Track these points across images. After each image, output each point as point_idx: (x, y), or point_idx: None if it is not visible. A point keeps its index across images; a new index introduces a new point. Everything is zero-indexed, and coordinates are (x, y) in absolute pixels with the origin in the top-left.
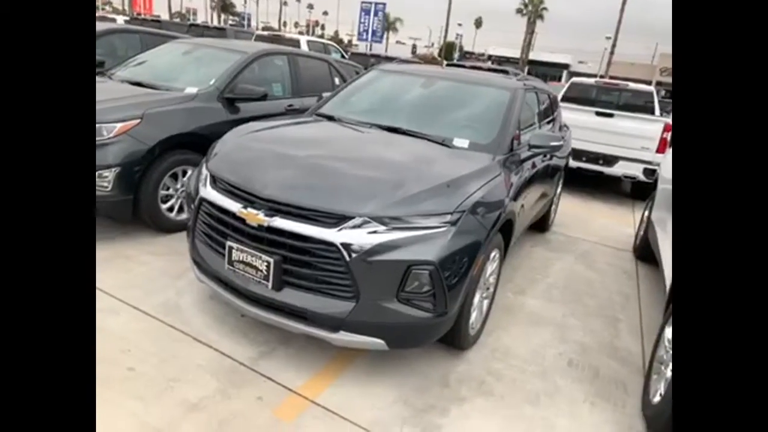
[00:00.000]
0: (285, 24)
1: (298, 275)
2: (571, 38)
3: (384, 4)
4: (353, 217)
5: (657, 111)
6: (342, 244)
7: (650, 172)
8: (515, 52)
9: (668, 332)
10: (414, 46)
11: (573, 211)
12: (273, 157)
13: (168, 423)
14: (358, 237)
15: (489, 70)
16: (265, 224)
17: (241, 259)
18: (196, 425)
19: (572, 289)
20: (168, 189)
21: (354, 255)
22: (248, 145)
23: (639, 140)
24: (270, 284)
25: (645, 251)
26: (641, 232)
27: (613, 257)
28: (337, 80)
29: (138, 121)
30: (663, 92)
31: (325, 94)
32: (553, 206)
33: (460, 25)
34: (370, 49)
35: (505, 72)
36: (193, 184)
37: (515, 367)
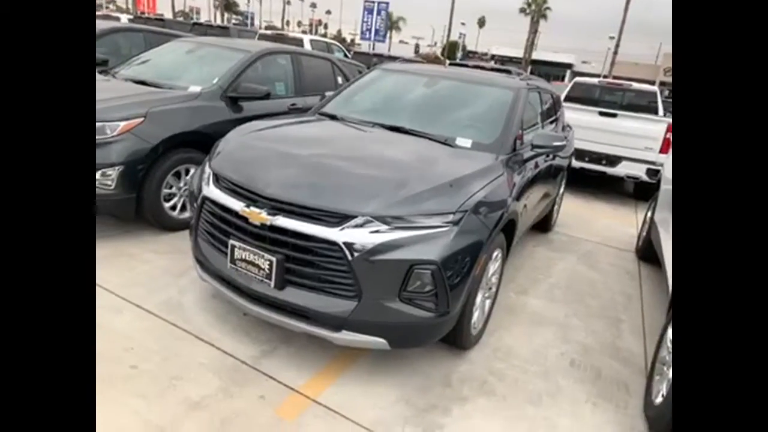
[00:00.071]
0: (288, 23)
1: (301, 274)
2: (574, 38)
3: (387, 3)
4: (355, 217)
5: (660, 111)
6: (344, 243)
7: (653, 173)
8: (518, 52)
9: (670, 332)
10: (417, 46)
11: (576, 211)
12: (276, 156)
13: (170, 421)
14: (360, 236)
15: (492, 69)
16: (268, 223)
17: (243, 257)
18: (198, 423)
19: (575, 290)
20: (171, 187)
21: (356, 254)
22: (251, 143)
23: (642, 140)
24: (272, 283)
25: (648, 252)
26: (644, 233)
27: (616, 258)
28: (340, 79)
29: (141, 119)
30: (666, 92)
31: (328, 94)
32: (556, 206)
33: (463, 24)
34: (373, 49)
35: (508, 72)
36: (196, 183)
37: (517, 367)
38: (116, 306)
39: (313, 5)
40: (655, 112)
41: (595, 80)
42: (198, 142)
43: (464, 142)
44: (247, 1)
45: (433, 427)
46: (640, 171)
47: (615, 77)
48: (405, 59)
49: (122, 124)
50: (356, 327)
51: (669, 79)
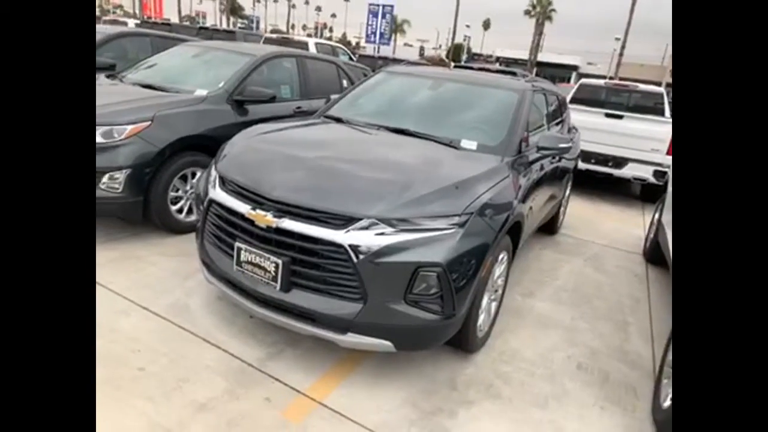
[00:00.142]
0: (293, 26)
1: (306, 276)
2: (580, 39)
3: (392, 6)
4: (361, 219)
5: (667, 112)
6: (350, 245)
7: (660, 174)
8: (523, 54)
9: None
10: (422, 48)
11: (582, 213)
12: (282, 158)
13: (177, 423)
14: (365, 238)
15: (497, 71)
16: (274, 225)
17: (249, 260)
18: (204, 425)
19: (581, 292)
20: (177, 190)
21: (362, 256)
22: (257, 146)
23: (649, 142)
24: (278, 285)
25: (655, 254)
26: (651, 235)
27: (623, 260)
28: (345, 82)
29: (149, 123)
30: None
31: (333, 96)
32: (562, 208)
33: (468, 26)
34: (378, 52)
35: (513, 74)
36: (202, 186)
37: (523, 370)
38: (123, 308)
39: (318, 8)
40: (662, 114)
41: (601, 82)
42: (204, 146)
43: (469, 144)
44: (253, 5)
45: (438, 430)
46: (647, 173)
47: (621, 78)
48: (410, 62)
49: (129, 127)
50: (362, 329)
51: None
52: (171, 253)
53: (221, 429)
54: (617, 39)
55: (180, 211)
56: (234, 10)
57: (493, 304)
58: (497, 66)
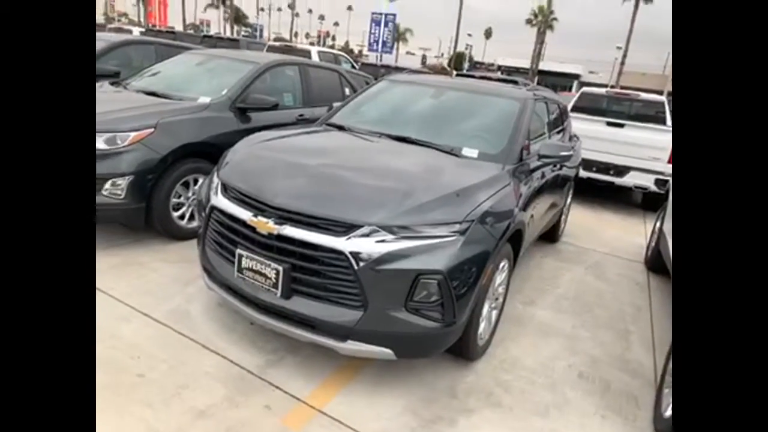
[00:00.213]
0: (296, 35)
1: (307, 283)
2: (581, 48)
3: (394, 15)
4: (362, 226)
5: (668, 121)
6: (350, 252)
7: (662, 183)
8: (525, 63)
9: None
10: (424, 57)
11: (583, 221)
12: (284, 166)
13: (176, 430)
14: (366, 246)
15: (498, 80)
16: (275, 232)
17: (250, 266)
18: None
19: (582, 301)
20: (180, 197)
21: (362, 264)
22: (259, 154)
23: (650, 150)
24: (279, 292)
25: (657, 262)
26: (653, 243)
27: (625, 268)
28: (347, 90)
29: (152, 130)
30: None
31: (336, 104)
32: (563, 216)
33: (470, 35)
34: (381, 60)
35: (515, 82)
36: (204, 193)
37: (524, 378)
38: (124, 314)
39: (322, 17)
40: (663, 123)
41: (602, 90)
42: (207, 153)
43: (471, 152)
44: (257, 14)
45: None
46: (648, 181)
47: (622, 87)
48: (412, 70)
49: (133, 134)
50: (362, 337)
51: None
52: (172, 260)
53: None
54: (618, 48)
55: (182, 217)
56: (238, 19)
57: (494, 312)
58: (499, 74)
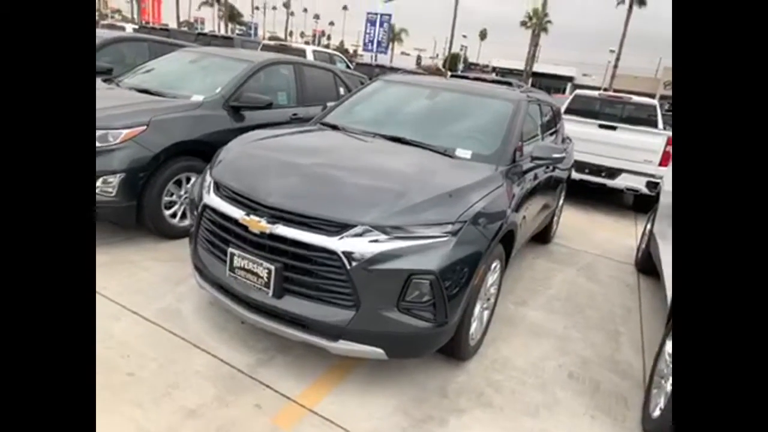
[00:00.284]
0: (291, 34)
1: (299, 283)
2: (575, 51)
3: (389, 15)
4: (355, 226)
5: (660, 124)
6: (343, 252)
7: (653, 185)
8: (519, 64)
9: (669, 346)
10: (419, 57)
11: (575, 223)
12: (277, 165)
13: (166, 429)
14: (359, 245)
15: (493, 81)
16: (268, 231)
17: (242, 266)
18: None
19: (574, 302)
20: (172, 195)
21: (355, 263)
22: (253, 152)
23: (642, 153)
24: (271, 291)
25: (647, 264)
26: (643, 245)
27: (615, 270)
28: (342, 90)
29: (144, 127)
30: (666, 105)
31: (330, 104)
32: (556, 218)
33: (464, 36)
34: (375, 60)
35: (509, 84)
36: (196, 191)
37: (515, 378)
38: (114, 313)
39: (317, 16)
40: (655, 126)
41: (595, 93)
42: (200, 151)
43: (464, 153)
44: (251, 12)
45: None
46: (639, 183)
47: (615, 90)
48: (407, 71)
49: (125, 132)
50: (354, 336)
51: (669, 93)
52: (164, 258)
53: None
54: (612, 51)
55: (174, 215)
56: (233, 17)
57: (486, 313)
58: (493, 76)
